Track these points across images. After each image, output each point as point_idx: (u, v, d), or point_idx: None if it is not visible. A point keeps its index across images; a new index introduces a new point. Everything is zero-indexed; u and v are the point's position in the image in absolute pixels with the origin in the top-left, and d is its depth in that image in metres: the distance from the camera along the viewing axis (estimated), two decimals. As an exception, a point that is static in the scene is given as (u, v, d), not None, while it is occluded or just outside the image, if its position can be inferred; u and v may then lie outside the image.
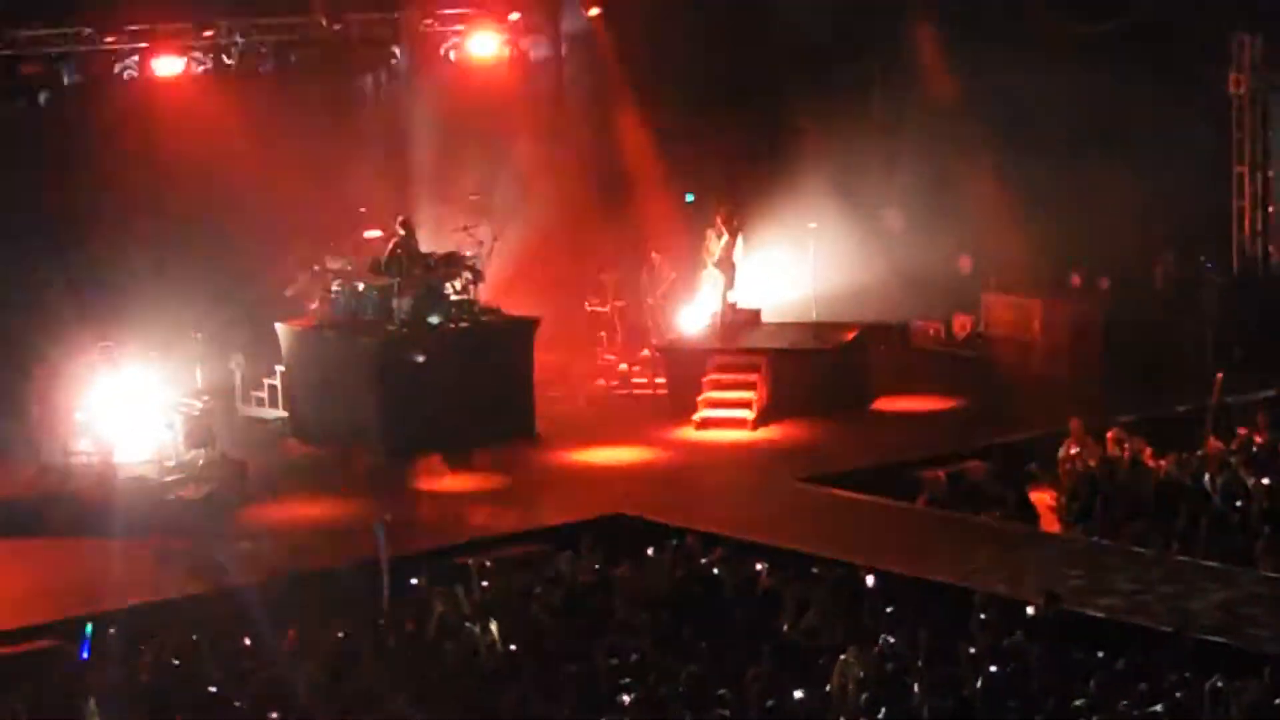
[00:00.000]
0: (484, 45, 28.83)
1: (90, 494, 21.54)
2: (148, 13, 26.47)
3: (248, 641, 16.53)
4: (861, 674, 14.24)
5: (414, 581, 18.21)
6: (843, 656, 14.52)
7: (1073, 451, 22.13)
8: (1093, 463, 21.72)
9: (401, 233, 25.25)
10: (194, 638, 16.50)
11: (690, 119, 31.15)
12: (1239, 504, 20.12)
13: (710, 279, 27.52)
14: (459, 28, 28.89)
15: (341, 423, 24.74)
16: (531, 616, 16.47)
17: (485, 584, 17.77)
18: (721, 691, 14.17)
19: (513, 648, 15.75)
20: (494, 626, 15.94)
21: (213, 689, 15.22)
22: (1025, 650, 15.34)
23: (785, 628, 16.30)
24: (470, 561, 18.82)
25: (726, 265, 27.45)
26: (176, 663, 15.97)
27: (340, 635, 16.15)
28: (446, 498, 22.82)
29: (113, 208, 26.60)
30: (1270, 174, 28.66)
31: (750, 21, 30.95)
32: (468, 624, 16.16)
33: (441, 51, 28.91)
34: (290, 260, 26.21)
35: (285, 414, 25.65)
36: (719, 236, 27.41)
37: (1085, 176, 28.34)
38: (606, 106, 30.88)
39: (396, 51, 28.70)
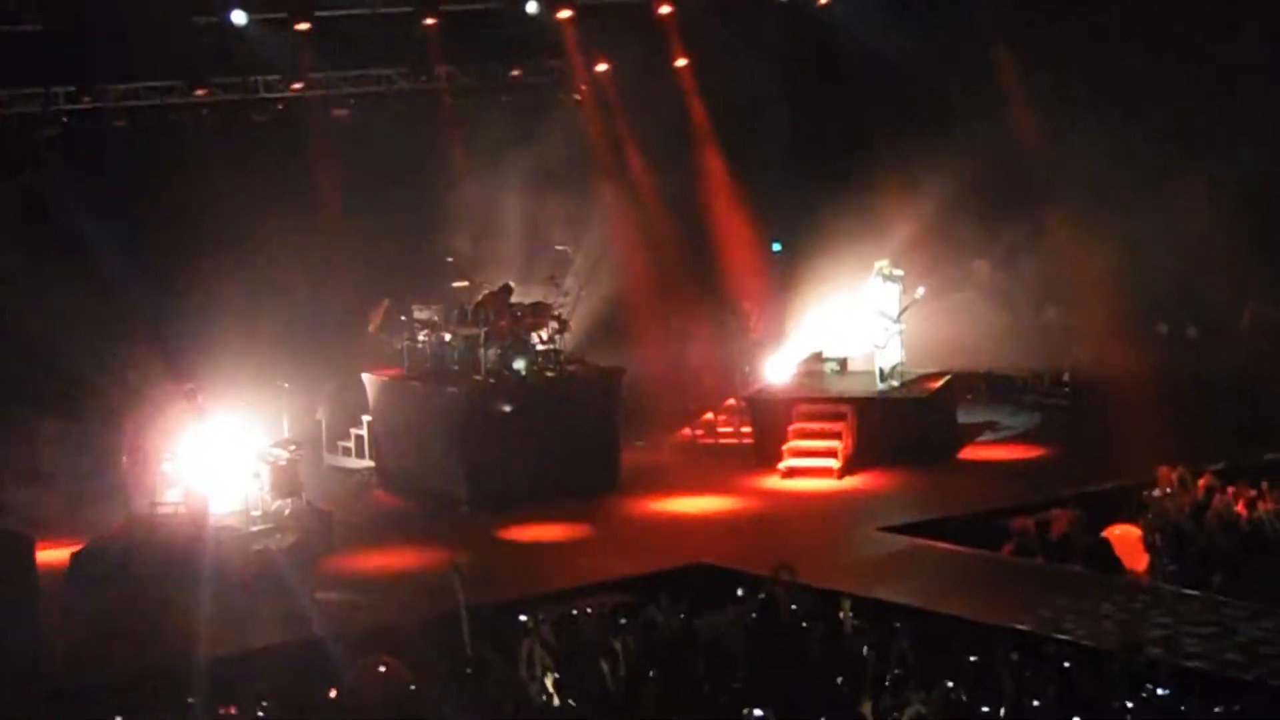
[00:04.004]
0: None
1: (177, 544, 21.69)
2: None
3: (333, 694, 16.57)
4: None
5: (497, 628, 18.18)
6: (913, 707, 14.45)
7: (1161, 495, 21.92)
8: (1181, 510, 21.50)
9: (500, 292, 25.40)
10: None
11: (777, 168, 31.24)
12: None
13: (890, 333, 27.05)
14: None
15: (427, 472, 24.88)
16: (602, 668, 16.41)
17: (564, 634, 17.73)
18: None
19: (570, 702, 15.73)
20: (549, 681, 15.91)
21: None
22: (1107, 700, 15.20)
23: (867, 678, 16.19)
24: (551, 611, 18.84)
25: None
26: (261, 715, 16.01)
27: (412, 688, 16.18)
28: (531, 546, 22.85)
29: (198, 260, 26.96)
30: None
31: (835, 71, 31.01)
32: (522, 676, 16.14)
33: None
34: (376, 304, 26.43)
35: (372, 464, 25.84)
36: (893, 288, 26.97)
37: (1172, 225, 28.15)
38: (690, 155, 31.02)
39: None
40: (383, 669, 16.66)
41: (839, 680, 15.96)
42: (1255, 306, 28.51)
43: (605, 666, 16.26)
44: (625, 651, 16.66)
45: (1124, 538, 21.51)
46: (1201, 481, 21.92)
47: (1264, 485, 21.54)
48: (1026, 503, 23.21)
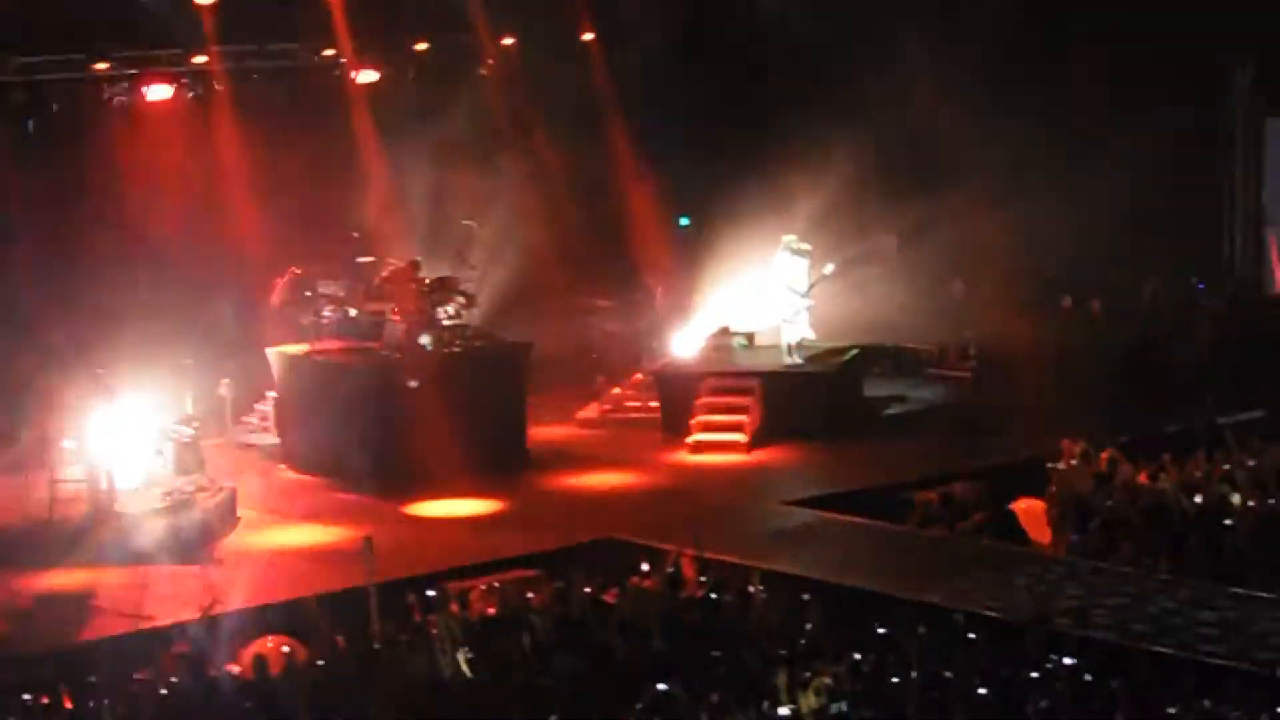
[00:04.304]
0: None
1: (79, 521, 21.47)
2: (138, 40, 26.60)
3: (236, 669, 16.46)
4: (839, 693, 14.27)
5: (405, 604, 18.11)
6: (820, 677, 14.53)
7: (1065, 468, 22.07)
8: (1085, 482, 21.66)
9: (407, 268, 25.28)
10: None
11: (684, 143, 31.21)
12: (1228, 524, 20.07)
13: (798, 308, 27.10)
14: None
15: (333, 448, 24.72)
16: (515, 642, 16.41)
17: (473, 609, 17.70)
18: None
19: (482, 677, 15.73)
20: (461, 656, 15.87)
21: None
22: (1015, 671, 15.29)
23: (777, 650, 16.24)
24: (459, 586, 18.80)
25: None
26: (164, 692, 15.88)
27: (320, 662, 16.10)
28: (438, 523, 22.77)
29: (103, 234, 26.65)
30: (1261, 197, 28.73)
31: (743, 43, 31.03)
32: (436, 651, 16.10)
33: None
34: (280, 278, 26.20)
35: (276, 439, 25.66)
36: (800, 263, 26.98)
37: (1077, 199, 28.35)
38: (597, 130, 30.95)
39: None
40: (285, 649, 16.57)
41: (749, 652, 16.01)
42: (1156, 281, 28.75)
43: (517, 641, 16.24)
44: (536, 626, 16.66)
45: (1029, 510, 21.67)
46: (1104, 454, 22.10)
47: (1165, 458, 21.76)
48: (931, 475, 23.37)
